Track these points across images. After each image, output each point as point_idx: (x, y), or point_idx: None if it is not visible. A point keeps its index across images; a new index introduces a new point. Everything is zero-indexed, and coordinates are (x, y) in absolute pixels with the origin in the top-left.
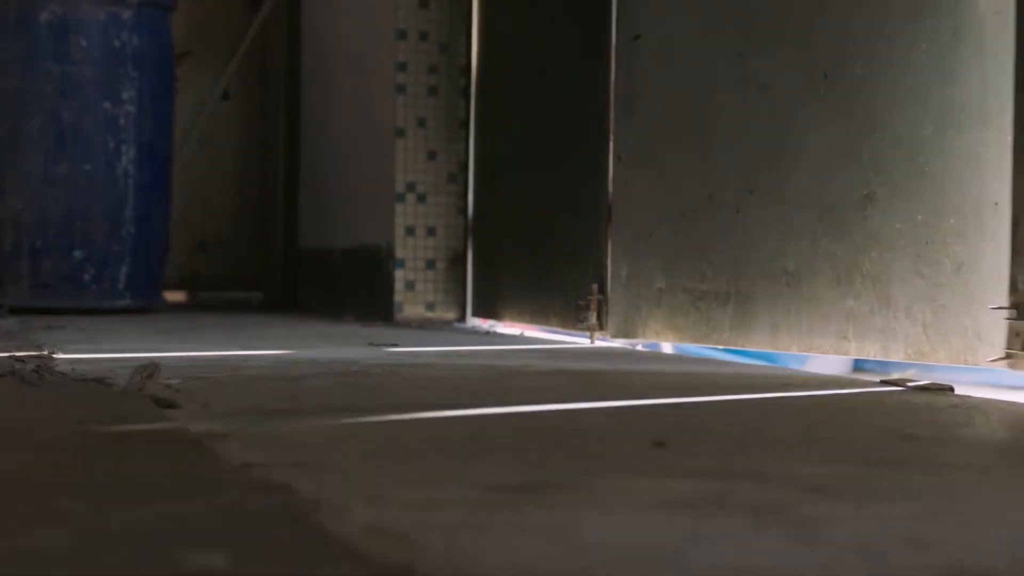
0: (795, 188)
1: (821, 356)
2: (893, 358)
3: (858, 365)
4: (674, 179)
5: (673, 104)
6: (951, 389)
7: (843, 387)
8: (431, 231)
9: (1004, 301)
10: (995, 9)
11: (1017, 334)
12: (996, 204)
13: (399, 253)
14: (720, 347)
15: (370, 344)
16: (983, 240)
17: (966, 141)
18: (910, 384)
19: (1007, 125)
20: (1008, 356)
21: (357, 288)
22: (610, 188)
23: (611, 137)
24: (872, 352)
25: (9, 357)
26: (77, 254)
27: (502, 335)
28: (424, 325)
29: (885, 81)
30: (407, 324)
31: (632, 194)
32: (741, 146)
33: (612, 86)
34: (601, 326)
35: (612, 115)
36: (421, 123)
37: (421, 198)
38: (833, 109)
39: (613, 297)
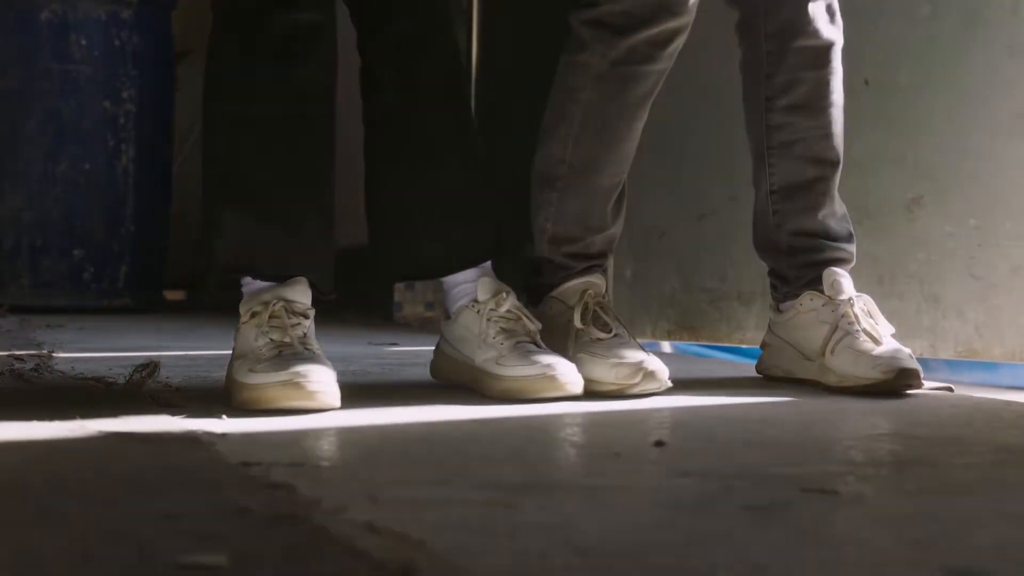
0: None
1: None
2: (943, 356)
3: None
4: (692, 181)
5: (684, 108)
6: (950, 389)
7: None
8: None
9: None
10: None
11: None
12: None
13: None
14: (729, 345)
15: (369, 343)
16: None
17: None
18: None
19: None
20: None
21: (356, 287)
22: None
23: None
24: (920, 350)
25: (9, 356)
26: (77, 253)
27: None
28: (424, 324)
29: (933, 89)
30: (407, 323)
31: (636, 194)
32: None
33: None
34: None
35: None
36: None
37: None
38: (875, 114)
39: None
